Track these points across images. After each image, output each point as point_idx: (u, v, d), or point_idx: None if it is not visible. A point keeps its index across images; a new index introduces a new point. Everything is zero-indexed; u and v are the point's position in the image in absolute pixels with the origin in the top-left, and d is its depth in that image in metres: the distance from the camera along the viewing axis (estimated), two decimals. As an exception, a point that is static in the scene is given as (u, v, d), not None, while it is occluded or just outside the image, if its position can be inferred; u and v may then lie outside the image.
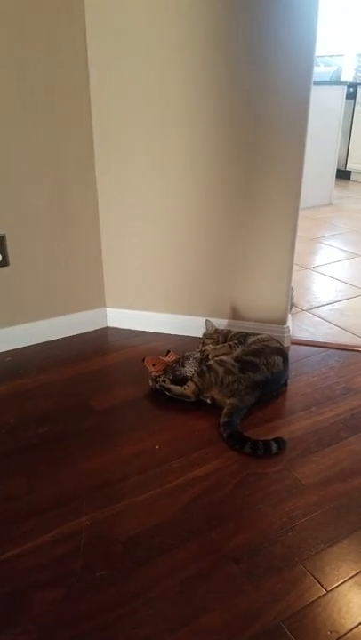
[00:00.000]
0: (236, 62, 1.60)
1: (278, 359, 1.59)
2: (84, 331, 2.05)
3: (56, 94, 1.70)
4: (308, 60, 1.57)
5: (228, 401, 1.48)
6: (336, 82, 4.65)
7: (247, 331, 1.78)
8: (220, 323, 1.94)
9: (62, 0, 1.60)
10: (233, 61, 1.60)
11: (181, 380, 1.60)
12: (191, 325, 1.97)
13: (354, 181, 5.28)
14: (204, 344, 1.76)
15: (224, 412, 1.45)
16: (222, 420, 1.43)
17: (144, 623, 0.93)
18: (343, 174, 5.25)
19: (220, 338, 1.76)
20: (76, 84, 1.72)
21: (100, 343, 1.98)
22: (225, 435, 1.39)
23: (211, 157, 1.74)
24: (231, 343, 1.71)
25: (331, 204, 4.21)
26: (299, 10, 1.52)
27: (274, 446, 1.34)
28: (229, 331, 1.81)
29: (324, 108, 3.83)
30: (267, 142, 1.68)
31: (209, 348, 1.72)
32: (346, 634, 0.90)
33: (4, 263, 1.81)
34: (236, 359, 1.55)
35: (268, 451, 1.34)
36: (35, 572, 1.02)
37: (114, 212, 1.91)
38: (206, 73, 1.63)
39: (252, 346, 1.63)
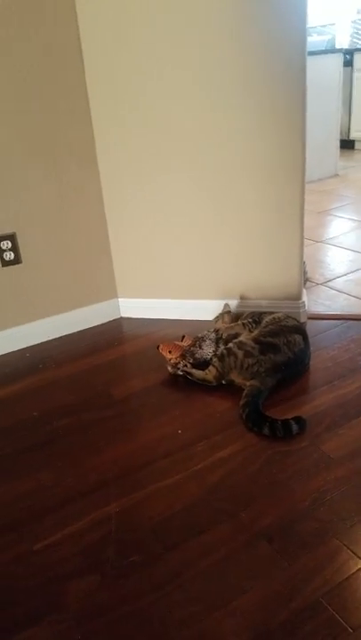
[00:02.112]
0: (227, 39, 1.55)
1: (298, 337, 1.56)
2: (98, 323, 2.04)
3: (57, 92, 1.68)
4: (300, 26, 1.52)
5: (248, 383, 1.45)
6: (331, 50, 4.51)
7: (261, 310, 1.75)
8: (233, 304, 1.91)
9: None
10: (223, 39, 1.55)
11: (202, 363, 1.58)
12: (203, 309, 1.94)
13: (358, 150, 5.16)
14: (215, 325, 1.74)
15: (244, 393, 1.42)
16: (242, 400, 1.40)
17: (179, 606, 0.92)
18: (347, 144, 5.13)
19: (226, 317, 1.74)
20: (71, 74, 1.69)
21: (114, 334, 1.97)
22: (243, 415, 1.37)
23: (213, 137, 1.70)
24: (245, 322, 1.68)
25: (337, 175, 4.12)
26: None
27: (294, 426, 1.30)
28: (242, 312, 1.78)
29: (322, 77, 3.72)
30: (266, 116, 1.63)
31: (222, 327, 1.70)
32: (387, 605, 0.88)
33: (17, 261, 1.80)
34: (256, 341, 1.52)
35: (288, 431, 1.29)
36: (68, 561, 1.02)
37: (119, 202, 1.88)
38: (199, 52, 1.59)
39: (270, 326, 1.59)
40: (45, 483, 1.23)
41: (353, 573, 0.94)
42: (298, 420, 1.31)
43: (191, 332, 1.69)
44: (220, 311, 1.83)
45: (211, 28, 1.57)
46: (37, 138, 1.71)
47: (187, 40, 1.60)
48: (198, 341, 1.64)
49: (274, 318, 1.64)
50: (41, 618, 0.92)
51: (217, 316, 1.81)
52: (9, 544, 1.07)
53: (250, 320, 1.69)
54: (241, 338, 1.57)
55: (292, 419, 1.31)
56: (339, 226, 2.91)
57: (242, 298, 1.91)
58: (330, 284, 2.18)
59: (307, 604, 0.90)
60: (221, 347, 1.59)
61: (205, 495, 1.15)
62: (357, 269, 2.29)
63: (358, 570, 0.95)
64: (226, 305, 1.82)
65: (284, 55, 1.56)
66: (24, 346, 1.90)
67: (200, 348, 1.62)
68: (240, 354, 1.49)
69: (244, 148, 1.69)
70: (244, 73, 1.60)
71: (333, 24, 5.53)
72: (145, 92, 1.69)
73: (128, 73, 1.68)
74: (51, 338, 1.94)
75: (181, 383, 1.59)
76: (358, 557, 0.97)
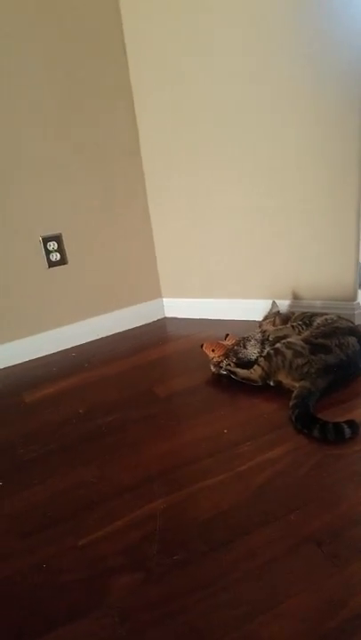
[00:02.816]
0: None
1: (352, 339, 1.50)
2: (142, 322, 2.05)
3: (100, 90, 1.71)
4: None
5: (298, 384, 1.41)
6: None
7: (313, 311, 1.70)
8: (283, 304, 1.86)
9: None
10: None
11: (246, 363, 1.56)
12: (250, 309, 1.91)
13: None
14: (261, 326, 1.71)
15: (294, 394, 1.38)
16: (292, 402, 1.36)
17: (224, 607, 0.89)
18: None
19: (277, 320, 1.70)
20: (118, 79, 1.72)
21: (158, 333, 1.98)
22: (293, 417, 1.32)
23: (266, 134, 1.67)
24: (294, 324, 1.64)
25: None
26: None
27: (347, 430, 1.24)
28: (292, 313, 1.74)
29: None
30: (324, 112, 1.59)
31: (270, 328, 1.66)
32: None
33: (63, 262, 1.84)
34: (306, 341, 1.48)
35: (339, 435, 1.24)
36: (112, 558, 1.02)
37: (163, 202, 1.89)
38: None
39: (321, 328, 1.54)
40: (90, 478, 1.24)
41: None
42: (351, 423, 1.26)
43: (236, 333, 1.67)
44: (267, 311, 1.79)
45: (268, 29, 1.55)
46: (83, 140, 1.74)
47: (244, 34, 1.58)
48: (243, 341, 1.61)
49: (326, 320, 1.59)
50: (86, 612, 0.92)
51: (266, 317, 1.77)
52: (54, 538, 1.09)
53: (300, 322, 1.64)
54: (290, 338, 1.53)
55: (344, 422, 1.26)
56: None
57: (293, 298, 1.87)
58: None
59: (358, 613, 0.85)
60: (267, 348, 1.55)
61: (252, 496, 1.12)
62: None
63: None
64: (274, 304, 1.78)
65: (344, 57, 1.51)
66: (70, 346, 1.93)
67: (244, 347, 1.59)
68: (289, 353, 1.45)
69: (300, 145, 1.65)
70: (303, 70, 1.56)
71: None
72: (194, 89, 1.69)
73: (175, 65, 1.69)
74: (96, 338, 1.97)
75: (226, 383, 1.56)
76: None
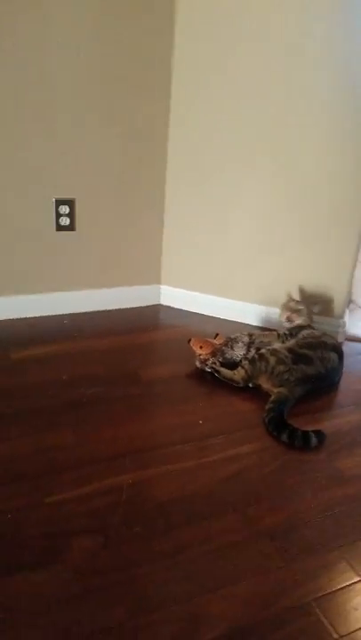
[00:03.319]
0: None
1: (334, 355, 1.57)
2: (137, 305, 2.09)
3: (134, 63, 1.72)
4: None
5: (276, 390, 1.47)
6: None
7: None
8: (272, 312, 1.92)
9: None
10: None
11: (231, 364, 1.61)
12: (242, 311, 1.97)
13: None
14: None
15: (272, 398, 1.44)
16: (268, 405, 1.42)
17: (174, 582, 0.95)
18: None
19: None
20: (159, 53, 1.74)
21: (151, 318, 2.02)
22: (266, 419, 1.38)
23: (281, 149, 1.72)
24: (280, 332, 1.70)
25: None
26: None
27: (313, 439, 1.31)
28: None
29: None
30: (338, 131, 1.64)
31: (257, 333, 1.72)
32: (377, 623, 0.89)
33: (71, 228, 1.86)
34: (290, 350, 1.54)
35: (306, 443, 1.30)
36: (76, 519, 1.07)
37: (180, 192, 1.93)
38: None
39: (308, 339, 1.60)
40: (66, 442, 1.28)
41: (348, 585, 0.96)
42: (318, 433, 1.32)
43: (225, 332, 1.72)
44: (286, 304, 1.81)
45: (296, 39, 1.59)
46: (111, 111, 1.76)
47: (274, 48, 1.62)
48: (231, 342, 1.67)
49: (313, 333, 1.65)
50: (45, 564, 0.97)
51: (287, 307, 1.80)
52: (23, 492, 1.13)
53: (285, 332, 1.70)
54: (275, 346, 1.59)
55: (312, 431, 1.32)
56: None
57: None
58: (372, 310, 2.16)
59: (297, 604, 0.91)
60: (253, 351, 1.61)
61: (216, 486, 1.18)
62: None
63: (353, 583, 0.96)
64: (291, 300, 1.80)
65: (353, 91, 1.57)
66: (64, 312, 1.97)
67: (231, 348, 1.65)
68: (272, 360, 1.51)
69: (312, 169, 1.70)
70: (328, 81, 1.61)
71: None
72: (227, 91, 1.73)
73: (209, 67, 1.72)
74: (90, 310, 2.01)
75: (208, 379, 1.62)
76: (355, 571, 0.98)
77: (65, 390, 1.49)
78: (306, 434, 1.32)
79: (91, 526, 1.06)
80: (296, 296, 1.84)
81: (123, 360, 1.70)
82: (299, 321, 1.73)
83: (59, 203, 1.81)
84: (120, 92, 1.75)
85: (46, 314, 1.93)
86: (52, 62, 1.63)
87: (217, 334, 1.73)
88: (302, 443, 1.31)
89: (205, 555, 1.01)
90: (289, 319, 1.75)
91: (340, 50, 1.57)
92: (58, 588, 0.93)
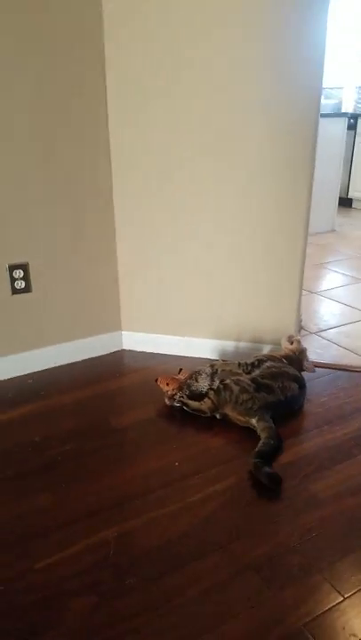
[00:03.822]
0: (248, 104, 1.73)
1: (294, 385, 1.67)
2: (100, 353, 2.13)
3: (72, 121, 1.80)
4: (315, 94, 1.70)
5: (241, 419, 1.55)
6: (337, 114, 4.84)
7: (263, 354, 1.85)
8: (228, 344, 2.02)
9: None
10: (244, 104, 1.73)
11: (198, 395, 1.68)
12: (201, 347, 2.05)
13: (355, 209, 5.42)
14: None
15: (266, 435, 1.49)
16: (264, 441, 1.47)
17: (171, 628, 0.98)
18: (345, 202, 5.40)
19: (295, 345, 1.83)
20: (94, 105, 1.82)
21: (116, 365, 2.06)
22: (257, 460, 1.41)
23: (225, 186, 1.85)
24: (241, 362, 1.79)
25: (334, 230, 4.33)
26: (306, 44, 1.64)
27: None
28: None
29: (327, 138, 3.97)
30: (276, 171, 1.79)
31: (218, 362, 1.80)
32: (364, 637, 0.95)
33: (27, 289, 1.90)
34: (253, 380, 1.63)
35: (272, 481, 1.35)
36: (67, 581, 1.08)
37: (131, 239, 2.01)
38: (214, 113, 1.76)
39: (272, 369, 1.69)
40: (45, 505, 1.29)
41: (333, 606, 1.01)
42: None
43: (189, 367, 1.79)
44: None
45: (233, 78, 1.74)
46: (56, 172, 1.83)
47: (210, 98, 1.77)
48: (195, 374, 1.74)
49: (275, 364, 1.74)
50: (43, 633, 0.97)
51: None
52: (10, 562, 1.13)
53: (248, 362, 1.79)
54: (239, 376, 1.68)
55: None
56: (333, 279, 3.07)
57: (237, 340, 2.02)
58: (322, 333, 2.30)
59: (289, 632, 0.96)
60: (217, 381, 1.69)
61: (199, 526, 1.22)
62: (349, 322, 2.43)
63: (337, 603, 1.02)
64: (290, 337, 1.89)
65: (298, 114, 1.72)
66: (28, 372, 1.97)
67: (196, 380, 1.72)
68: (236, 389, 1.59)
69: (254, 199, 1.83)
70: (260, 129, 1.75)
71: (341, 87, 5.90)
72: (165, 142, 1.85)
73: (152, 123, 1.84)
74: (54, 365, 2.03)
75: (178, 417, 1.67)
76: (338, 592, 1.05)
77: (38, 452, 1.50)
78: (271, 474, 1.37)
79: (83, 586, 1.07)
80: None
81: (93, 411, 1.72)
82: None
83: (12, 268, 1.85)
84: (62, 153, 1.82)
85: (10, 376, 1.94)
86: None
87: (180, 369, 1.79)
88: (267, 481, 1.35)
89: (197, 597, 1.04)
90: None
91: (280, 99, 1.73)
92: (58, 654, 0.93)
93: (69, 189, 1.88)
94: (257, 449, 1.43)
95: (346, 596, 1.04)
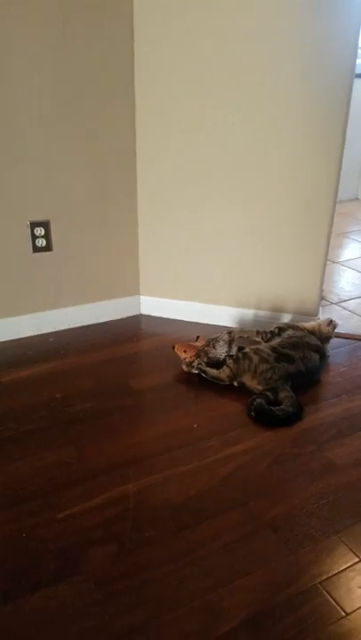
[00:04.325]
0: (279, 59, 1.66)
1: (315, 355, 1.66)
2: (118, 317, 2.14)
3: (100, 83, 1.77)
4: (350, 52, 1.63)
5: (260, 388, 1.55)
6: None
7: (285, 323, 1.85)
8: (249, 313, 2.01)
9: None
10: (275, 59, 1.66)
11: (215, 362, 1.68)
12: (220, 314, 2.04)
13: (379, 179, 5.27)
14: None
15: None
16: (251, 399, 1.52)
17: (191, 579, 1.01)
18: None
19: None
20: (122, 72, 1.79)
21: (133, 329, 2.07)
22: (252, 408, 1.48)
23: (252, 153, 1.80)
24: (260, 330, 1.78)
25: (357, 198, 4.23)
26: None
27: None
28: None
29: (355, 101, 3.83)
30: (305, 135, 1.73)
31: (236, 329, 1.80)
32: (378, 596, 0.98)
33: (48, 248, 1.90)
34: (273, 349, 1.63)
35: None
36: (88, 531, 1.11)
37: (153, 201, 1.98)
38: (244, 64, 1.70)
39: (294, 339, 1.69)
40: (68, 459, 1.32)
41: (349, 566, 1.04)
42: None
43: (206, 335, 1.79)
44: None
45: (265, 44, 1.67)
46: (81, 131, 1.79)
47: (240, 53, 1.70)
48: (212, 342, 1.74)
49: (296, 333, 1.73)
50: (64, 578, 1.01)
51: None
52: (35, 511, 1.17)
53: (267, 330, 1.78)
54: (259, 345, 1.67)
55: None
56: (355, 249, 3.02)
57: (258, 308, 2.01)
58: (343, 304, 2.28)
59: (305, 589, 0.99)
60: (234, 348, 1.69)
61: (217, 484, 1.24)
62: (370, 293, 2.40)
63: (353, 564, 1.05)
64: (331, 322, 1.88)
65: (331, 75, 1.65)
66: (48, 331, 1.99)
67: (214, 347, 1.72)
68: (255, 359, 1.59)
69: (280, 165, 1.79)
70: (289, 92, 1.70)
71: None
72: (191, 99, 1.79)
73: (177, 79, 1.78)
74: (74, 326, 2.04)
75: (196, 382, 1.68)
76: (354, 553, 1.07)
77: (61, 408, 1.53)
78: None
79: (104, 536, 1.11)
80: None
81: (111, 373, 1.74)
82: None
83: (34, 225, 1.84)
84: (87, 112, 1.79)
85: (31, 334, 1.96)
86: (16, 84, 1.65)
87: (198, 337, 1.80)
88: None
89: (216, 551, 1.07)
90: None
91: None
92: (80, 597, 0.97)
93: (93, 150, 1.85)
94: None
95: (361, 557, 1.06)
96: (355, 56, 1.65)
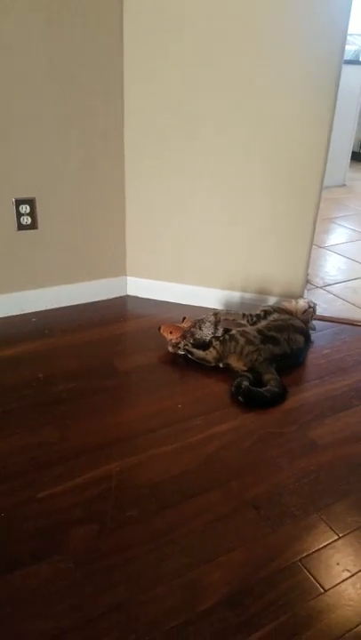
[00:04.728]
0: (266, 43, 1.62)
1: (300, 337, 1.66)
2: (104, 297, 2.11)
3: (86, 55, 1.72)
4: (339, 36, 1.60)
5: (245, 369, 1.55)
6: (357, 61, 4.59)
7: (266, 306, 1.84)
8: (235, 295, 2.00)
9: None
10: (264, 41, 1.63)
11: (202, 344, 1.68)
12: (207, 296, 2.03)
13: (368, 164, 5.26)
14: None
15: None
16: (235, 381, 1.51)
17: (172, 557, 1.01)
18: (357, 156, 5.22)
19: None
20: (109, 41, 1.74)
21: (120, 310, 2.05)
22: (233, 388, 1.49)
23: (239, 134, 1.77)
24: (246, 313, 1.77)
25: (344, 185, 4.22)
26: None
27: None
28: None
29: (343, 87, 3.79)
30: (293, 118, 1.71)
31: (222, 311, 1.79)
32: (358, 572, 0.99)
33: (33, 226, 1.86)
34: (259, 332, 1.62)
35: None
36: (69, 511, 1.11)
37: (140, 182, 1.95)
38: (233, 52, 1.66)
39: (279, 322, 1.68)
40: (50, 439, 1.31)
41: (328, 544, 1.05)
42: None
43: (192, 316, 1.78)
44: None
45: (251, 27, 1.64)
46: (67, 109, 1.75)
47: (229, 38, 1.66)
48: (198, 323, 1.73)
49: (281, 316, 1.73)
50: (44, 557, 1.01)
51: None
52: (15, 490, 1.15)
53: (253, 314, 1.78)
54: (245, 327, 1.67)
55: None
56: (341, 234, 3.01)
57: (244, 290, 2.00)
58: (328, 288, 2.28)
59: (285, 566, 1.00)
60: (220, 329, 1.68)
61: (200, 464, 1.24)
62: (356, 278, 2.40)
63: (333, 541, 1.06)
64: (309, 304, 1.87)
65: (319, 60, 1.63)
66: (31, 310, 1.96)
67: (200, 329, 1.72)
68: (242, 340, 1.58)
69: (268, 148, 1.77)
70: (278, 75, 1.67)
71: (362, 34, 5.58)
72: (179, 87, 1.75)
73: (165, 64, 1.74)
74: (58, 306, 2.01)
75: (181, 363, 1.67)
76: (333, 531, 1.08)
77: (43, 388, 1.51)
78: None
79: (85, 516, 1.10)
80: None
81: (96, 353, 1.72)
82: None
83: (19, 202, 1.80)
84: (74, 90, 1.74)
85: (14, 314, 1.92)
86: (5, 62, 1.60)
87: (184, 318, 1.78)
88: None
89: (198, 529, 1.07)
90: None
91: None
92: (60, 577, 0.97)
93: (81, 127, 1.80)
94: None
95: (341, 535, 1.07)
96: (343, 42, 1.62)
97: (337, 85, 1.66)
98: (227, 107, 1.74)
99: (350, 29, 5.54)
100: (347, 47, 5.45)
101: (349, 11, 1.57)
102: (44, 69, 1.67)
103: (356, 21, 5.37)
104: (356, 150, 5.03)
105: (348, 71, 3.83)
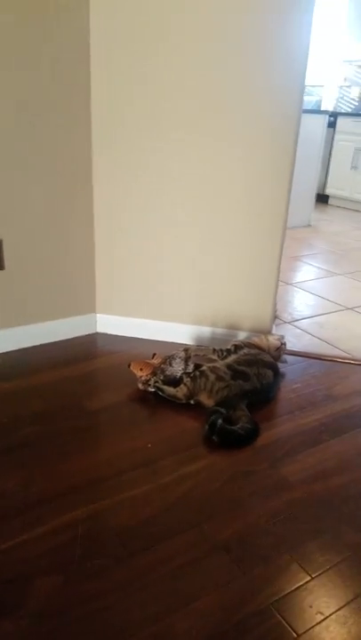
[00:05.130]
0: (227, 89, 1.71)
1: (270, 372, 1.68)
2: (74, 335, 2.09)
3: (56, 94, 1.76)
4: (298, 90, 1.70)
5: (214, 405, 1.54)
6: (318, 110, 4.87)
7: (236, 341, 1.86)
8: (205, 330, 2.01)
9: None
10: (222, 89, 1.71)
11: (172, 380, 1.67)
12: (177, 332, 2.04)
13: (331, 205, 5.49)
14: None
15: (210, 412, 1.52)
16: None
17: (140, 606, 0.97)
18: (322, 198, 5.46)
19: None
20: (78, 83, 1.78)
21: (89, 348, 2.03)
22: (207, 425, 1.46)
23: (207, 178, 1.83)
24: (216, 348, 1.78)
25: (310, 225, 4.38)
26: (291, 41, 1.64)
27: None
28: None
29: (307, 135, 4.01)
30: (256, 164, 1.78)
31: (192, 347, 1.79)
32: (331, 615, 0.97)
33: (0, 267, 1.84)
34: (229, 367, 1.63)
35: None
36: (34, 561, 1.06)
37: (109, 220, 1.97)
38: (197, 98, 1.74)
39: (248, 357, 1.70)
40: (14, 487, 1.26)
41: (300, 585, 1.03)
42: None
43: (163, 352, 1.78)
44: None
45: (217, 72, 1.72)
46: (35, 149, 1.78)
47: (190, 71, 1.74)
48: (168, 359, 1.73)
49: (250, 351, 1.74)
50: (7, 614, 0.95)
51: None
52: (-25, 540, 1.10)
53: (223, 348, 1.79)
54: (215, 363, 1.67)
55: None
56: (308, 272, 3.10)
57: (213, 326, 2.02)
58: (296, 323, 2.32)
59: (258, 610, 0.97)
60: (191, 365, 1.68)
61: (170, 506, 1.21)
62: (322, 314, 2.46)
63: (305, 582, 1.03)
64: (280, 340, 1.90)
65: (281, 110, 1.71)
66: (-1, 352, 1.93)
67: (170, 365, 1.71)
68: (212, 377, 1.58)
69: (236, 192, 1.83)
70: (243, 122, 1.74)
71: (322, 86, 5.94)
72: (148, 121, 1.81)
73: (132, 100, 1.80)
74: (26, 346, 1.98)
75: (151, 400, 1.66)
76: (305, 571, 1.06)
77: (6, 433, 1.46)
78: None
79: (49, 566, 1.05)
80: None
81: (65, 393, 1.69)
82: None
83: (-14, 243, 1.79)
84: (42, 126, 1.77)
85: (-21, 354, 1.89)
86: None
87: (154, 354, 1.78)
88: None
89: (167, 575, 1.03)
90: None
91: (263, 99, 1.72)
92: (22, 633, 0.91)
93: (48, 167, 1.82)
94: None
95: (313, 575, 1.05)
96: (302, 91, 1.72)
97: (296, 135, 1.74)
98: (194, 154, 1.80)
99: (310, 81, 5.86)
100: (309, 98, 5.82)
101: (305, 66, 1.67)
102: (13, 108, 1.70)
103: (316, 74, 5.75)
104: (320, 192, 5.26)
105: (310, 120, 4.06)
